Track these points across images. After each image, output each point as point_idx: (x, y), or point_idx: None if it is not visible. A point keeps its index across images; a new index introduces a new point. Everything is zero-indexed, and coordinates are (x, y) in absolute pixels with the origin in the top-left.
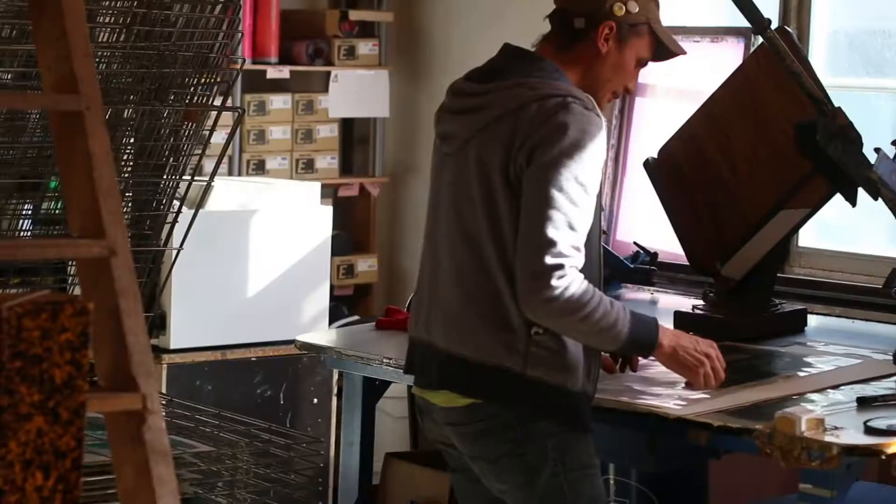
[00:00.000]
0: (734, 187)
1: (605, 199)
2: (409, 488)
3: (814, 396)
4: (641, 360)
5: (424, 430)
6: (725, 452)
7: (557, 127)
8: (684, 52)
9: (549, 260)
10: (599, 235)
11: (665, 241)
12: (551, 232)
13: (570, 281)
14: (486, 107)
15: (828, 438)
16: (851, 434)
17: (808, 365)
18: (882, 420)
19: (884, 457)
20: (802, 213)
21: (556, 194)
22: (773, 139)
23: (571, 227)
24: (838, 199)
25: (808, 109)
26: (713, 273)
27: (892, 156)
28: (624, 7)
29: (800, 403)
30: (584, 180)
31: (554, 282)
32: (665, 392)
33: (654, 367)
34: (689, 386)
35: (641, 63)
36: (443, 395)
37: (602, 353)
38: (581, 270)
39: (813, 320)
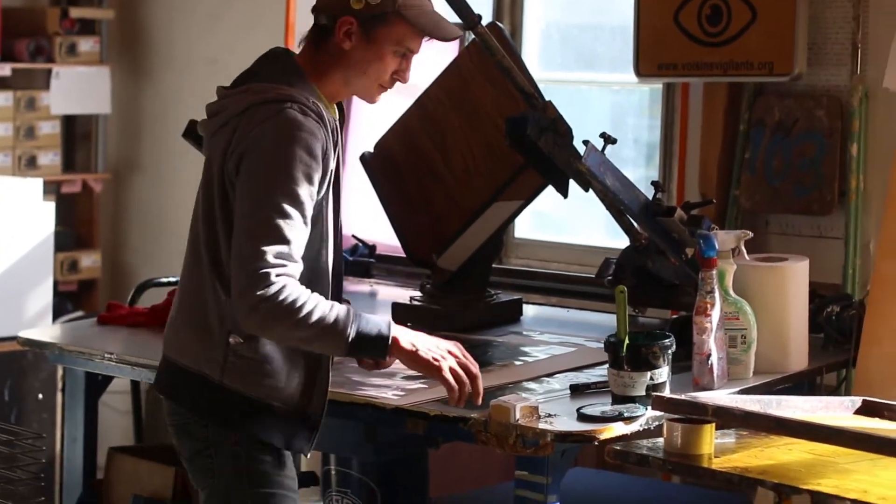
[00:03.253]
0: (449, 180)
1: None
2: (133, 482)
3: (529, 385)
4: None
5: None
6: (444, 441)
7: (264, 136)
8: (454, 35)
9: (254, 270)
10: (330, 246)
11: (383, 234)
12: (257, 244)
13: (278, 288)
14: (220, 111)
15: (542, 426)
16: (565, 421)
17: (524, 354)
18: (595, 407)
19: (597, 443)
20: (516, 204)
21: (262, 205)
22: (486, 133)
23: (279, 240)
24: (552, 191)
25: (520, 103)
26: (429, 265)
27: (600, 148)
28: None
29: (515, 392)
30: (293, 189)
31: (258, 292)
32: (384, 383)
33: None
34: (449, 397)
35: (407, 51)
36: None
37: (334, 363)
38: (309, 284)
39: (529, 310)
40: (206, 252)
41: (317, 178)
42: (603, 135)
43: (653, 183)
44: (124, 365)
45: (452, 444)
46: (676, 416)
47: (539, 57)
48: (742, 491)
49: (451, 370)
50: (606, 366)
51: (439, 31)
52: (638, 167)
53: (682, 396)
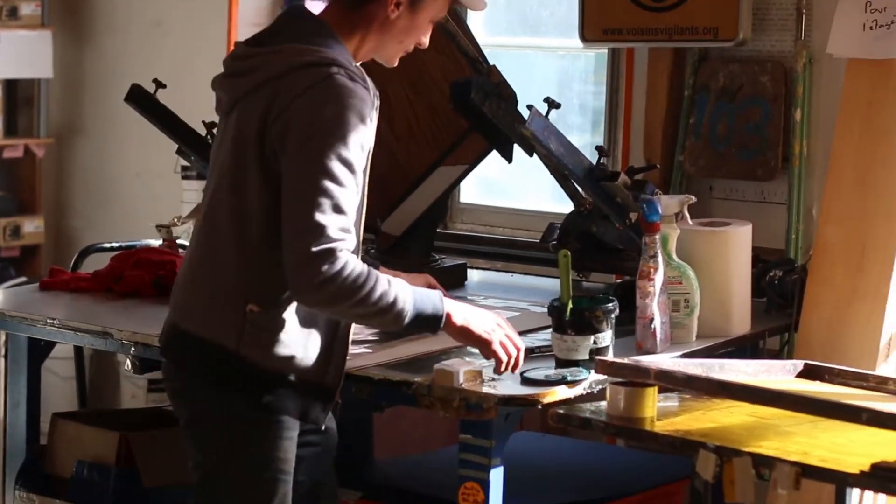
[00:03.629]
0: (394, 144)
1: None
2: (77, 448)
3: (475, 349)
4: None
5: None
6: (388, 405)
7: (317, 100)
8: (484, 6)
9: (317, 246)
10: (362, 216)
11: None
12: (318, 216)
13: (342, 264)
14: (251, 71)
15: (485, 390)
16: (509, 385)
17: None
18: (538, 371)
19: (540, 406)
20: (460, 169)
21: (319, 175)
22: (430, 98)
23: (338, 210)
24: (497, 156)
25: (465, 68)
26: (374, 229)
27: (544, 113)
28: None
29: (459, 356)
30: (348, 157)
31: (325, 267)
32: None
33: None
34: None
35: (436, 21)
36: (165, 363)
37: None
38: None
39: (474, 275)
40: (230, 219)
41: (367, 147)
42: (547, 99)
43: (597, 148)
44: (67, 331)
45: (397, 408)
46: (619, 380)
47: (484, 21)
48: (684, 454)
49: (501, 344)
50: (550, 330)
51: (475, 3)
52: (584, 133)
53: (625, 360)
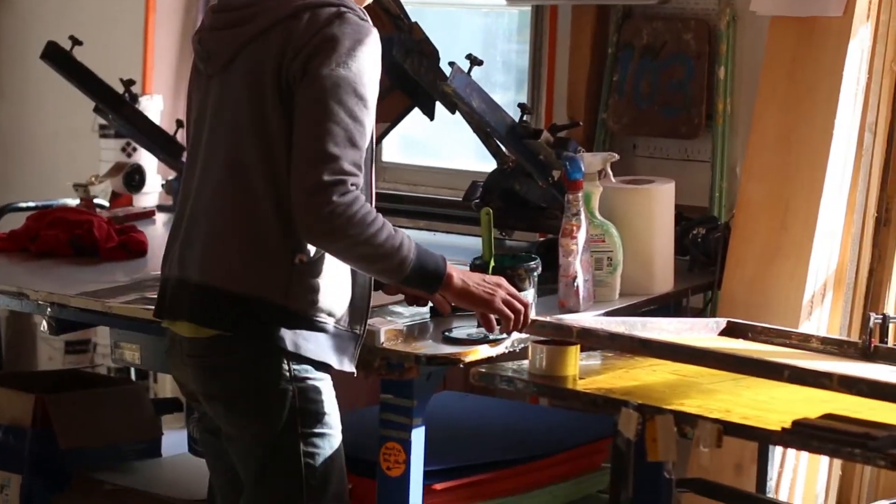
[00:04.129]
0: None
1: None
2: None
3: (395, 308)
4: None
5: (172, 370)
6: None
7: (333, 37)
8: None
9: (329, 175)
10: (373, 159)
11: None
12: (331, 147)
13: (353, 199)
14: (253, 18)
15: (406, 349)
16: (430, 344)
17: None
18: (461, 329)
19: (462, 365)
20: (381, 127)
21: (335, 107)
22: None
23: (352, 143)
24: (420, 114)
25: (386, 25)
26: None
27: (466, 70)
28: None
29: (381, 315)
30: (363, 93)
31: (335, 198)
32: None
33: None
34: (488, 328)
35: None
36: (189, 326)
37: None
38: None
39: None
40: (262, 167)
41: (377, 83)
42: (469, 56)
43: (519, 105)
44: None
45: None
46: (541, 339)
47: None
48: (607, 412)
49: (504, 301)
50: None
51: None
52: (508, 91)
53: (547, 318)
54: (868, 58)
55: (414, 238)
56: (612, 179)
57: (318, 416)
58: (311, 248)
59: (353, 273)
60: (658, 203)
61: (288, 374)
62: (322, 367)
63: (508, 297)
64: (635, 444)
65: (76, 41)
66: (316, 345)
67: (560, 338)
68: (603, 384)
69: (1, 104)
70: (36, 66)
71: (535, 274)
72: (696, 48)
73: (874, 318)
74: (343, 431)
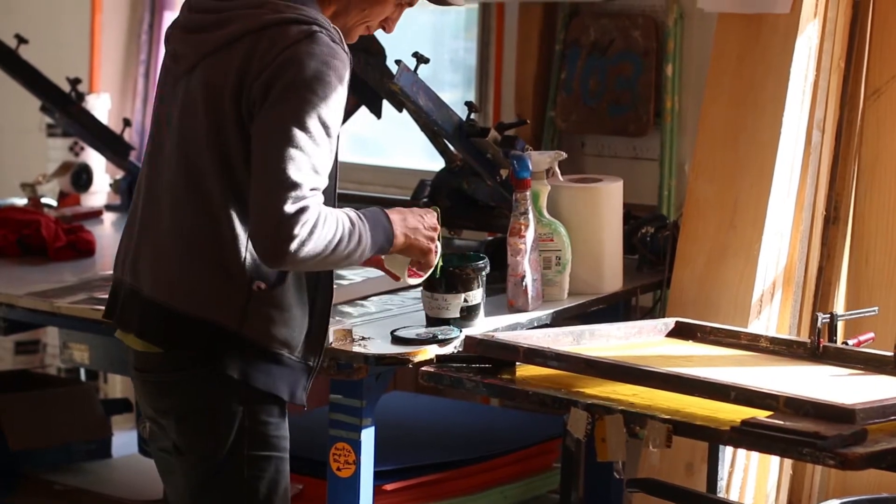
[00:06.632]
0: None
1: None
2: None
3: (344, 308)
4: None
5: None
6: None
7: (298, 59)
8: (458, 3)
9: (291, 205)
10: (336, 184)
11: None
12: (293, 173)
13: (315, 223)
14: (220, 25)
15: (355, 349)
16: (379, 344)
17: (339, 277)
18: (409, 329)
19: (411, 365)
20: None
21: (297, 132)
22: None
23: (314, 170)
24: (367, 112)
25: None
26: None
27: (413, 68)
28: None
29: (331, 316)
30: (327, 119)
31: (297, 230)
32: None
33: None
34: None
35: (406, 2)
36: (139, 340)
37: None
38: None
39: None
40: (219, 184)
41: (342, 110)
42: (415, 54)
43: (466, 103)
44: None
45: None
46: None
47: None
48: (557, 412)
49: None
50: (420, 288)
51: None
52: (456, 89)
53: (494, 336)
54: (816, 55)
55: None
56: (560, 178)
57: (265, 439)
58: (272, 274)
59: (313, 303)
60: (606, 202)
61: (238, 396)
62: (272, 398)
63: (435, 238)
64: (585, 443)
65: (22, 39)
66: (267, 376)
67: (508, 358)
68: (552, 382)
69: None
70: None
71: (484, 273)
72: (643, 45)
73: (822, 317)
74: (293, 432)
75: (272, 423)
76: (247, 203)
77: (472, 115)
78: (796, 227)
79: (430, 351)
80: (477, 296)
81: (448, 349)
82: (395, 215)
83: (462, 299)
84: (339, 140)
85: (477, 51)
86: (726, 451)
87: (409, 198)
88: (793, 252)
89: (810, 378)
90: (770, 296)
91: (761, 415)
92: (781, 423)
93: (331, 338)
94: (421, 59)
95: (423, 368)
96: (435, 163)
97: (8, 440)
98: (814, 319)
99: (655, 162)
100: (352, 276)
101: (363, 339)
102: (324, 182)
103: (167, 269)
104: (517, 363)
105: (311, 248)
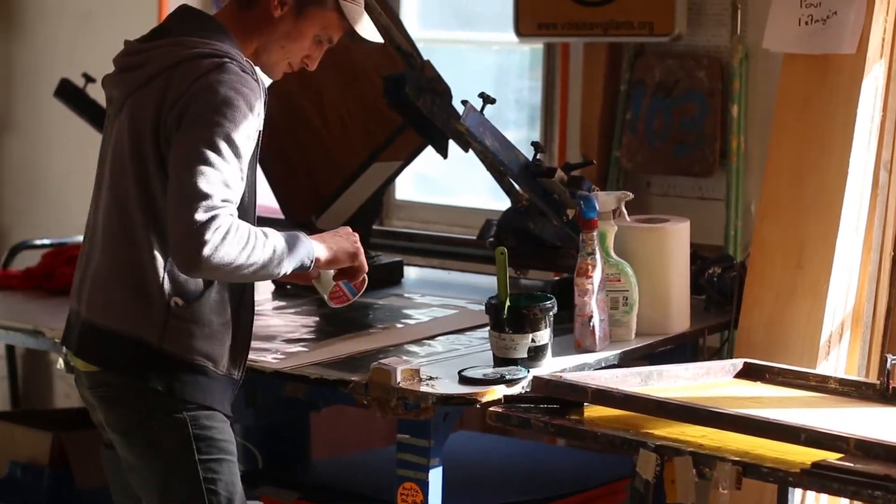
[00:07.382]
0: (328, 141)
1: None
2: (10, 448)
3: (411, 347)
4: None
5: (80, 395)
6: (325, 405)
7: (209, 85)
8: (375, 41)
9: (202, 214)
10: (255, 208)
11: (262, 196)
12: (203, 185)
13: (227, 230)
14: (143, 65)
15: (423, 389)
16: (446, 384)
17: (406, 316)
18: (476, 369)
19: (479, 405)
20: (395, 165)
21: (207, 151)
22: (364, 93)
23: (225, 184)
24: (433, 152)
25: (398, 63)
26: (308, 226)
27: (479, 108)
28: None
29: (397, 354)
30: (236, 139)
31: (208, 235)
32: (263, 346)
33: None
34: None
35: (326, 40)
36: (79, 360)
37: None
38: None
39: (410, 272)
40: (141, 212)
41: (253, 138)
42: (482, 95)
43: (533, 143)
44: None
45: (335, 407)
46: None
47: (418, 15)
48: (625, 453)
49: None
50: (488, 328)
51: (364, 33)
52: (521, 128)
53: (562, 377)
54: (882, 95)
55: (427, 278)
56: (627, 218)
57: (214, 442)
58: (191, 287)
59: (236, 316)
60: (673, 242)
61: (176, 407)
62: (205, 407)
63: (363, 259)
64: (654, 485)
65: (89, 78)
66: (194, 387)
67: (576, 399)
68: (621, 423)
69: (15, 140)
70: (49, 103)
71: (551, 314)
72: (708, 85)
73: (891, 359)
74: (359, 471)
75: (216, 428)
76: (165, 227)
77: (538, 155)
78: (864, 268)
79: (498, 391)
80: (545, 336)
81: (515, 389)
82: (317, 239)
83: (530, 339)
84: (251, 165)
85: (542, 90)
86: (796, 493)
87: (474, 237)
88: (861, 292)
89: (880, 420)
90: (838, 337)
91: (831, 457)
92: (852, 465)
93: (398, 377)
94: (487, 99)
95: (491, 409)
96: (500, 202)
97: (76, 478)
98: (883, 360)
99: (721, 202)
100: (418, 316)
101: (431, 378)
102: (236, 196)
103: (99, 293)
104: (585, 403)
105: (224, 253)
